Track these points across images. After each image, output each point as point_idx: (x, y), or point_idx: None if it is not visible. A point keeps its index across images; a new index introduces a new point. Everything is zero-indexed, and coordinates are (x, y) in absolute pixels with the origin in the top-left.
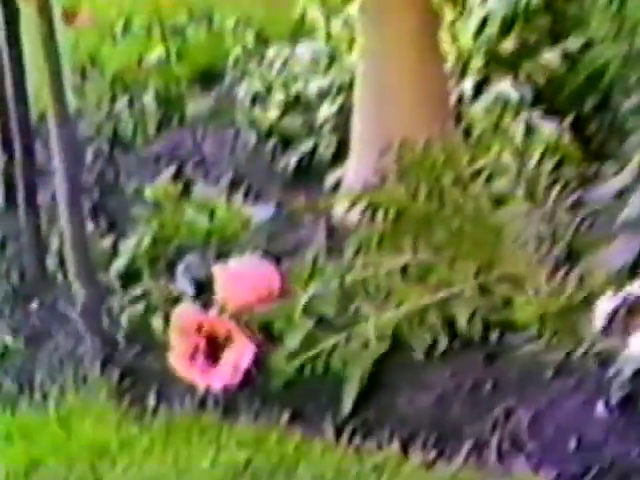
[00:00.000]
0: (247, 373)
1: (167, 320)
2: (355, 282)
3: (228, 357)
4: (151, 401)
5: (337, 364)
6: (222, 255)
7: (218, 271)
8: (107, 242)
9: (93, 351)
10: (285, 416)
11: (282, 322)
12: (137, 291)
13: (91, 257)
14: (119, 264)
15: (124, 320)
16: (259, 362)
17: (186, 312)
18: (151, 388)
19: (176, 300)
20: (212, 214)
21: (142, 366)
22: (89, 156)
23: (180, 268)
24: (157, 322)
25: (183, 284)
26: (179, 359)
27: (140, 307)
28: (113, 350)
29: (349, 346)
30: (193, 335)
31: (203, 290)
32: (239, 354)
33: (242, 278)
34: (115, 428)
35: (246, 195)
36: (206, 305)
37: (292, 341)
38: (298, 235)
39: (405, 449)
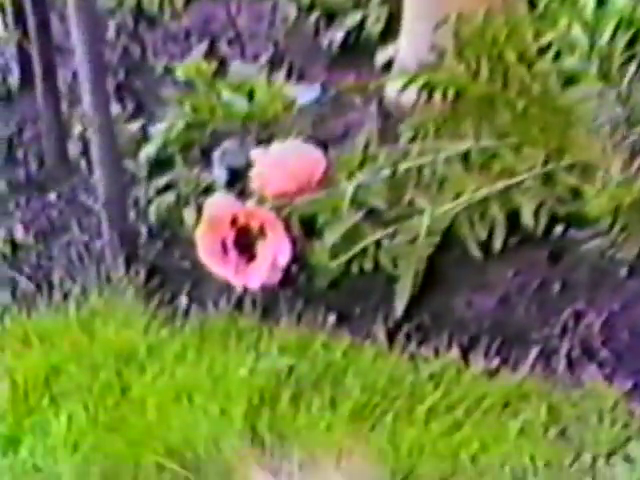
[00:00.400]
0: (287, 271)
1: (200, 212)
2: (409, 170)
3: (265, 253)
4: (182, 302)
5: (387, 261)
6: (262, 141)
7: (257, 157)
8: (135, 126)
9: (113, 247)
10: (331, 319)
11: (326, 215)
12: (166, 180)
13: (117, 143)
14: (148, 151)
15: (152, 212)
16: (300, 259)
17: (220, 202)
18: (182, 288)
19: (210, 190)
20: (251, 95)
21: (171, 263)
22: (111, 31)
23: (216, 155)
24: (189, 214)
25: (219, 173)
26: (210, 255)
27: (170, 198)
28: (135, 246)
29: (398, 241)
30: (226, 228)
31: (241, 179)
32: (277, 249)
33: (283, 164)
34: (143, 332)
35: (288, 74)
36: (243, 196)
37: (335, 234)
38: (346, 119)
39: (465, 356)
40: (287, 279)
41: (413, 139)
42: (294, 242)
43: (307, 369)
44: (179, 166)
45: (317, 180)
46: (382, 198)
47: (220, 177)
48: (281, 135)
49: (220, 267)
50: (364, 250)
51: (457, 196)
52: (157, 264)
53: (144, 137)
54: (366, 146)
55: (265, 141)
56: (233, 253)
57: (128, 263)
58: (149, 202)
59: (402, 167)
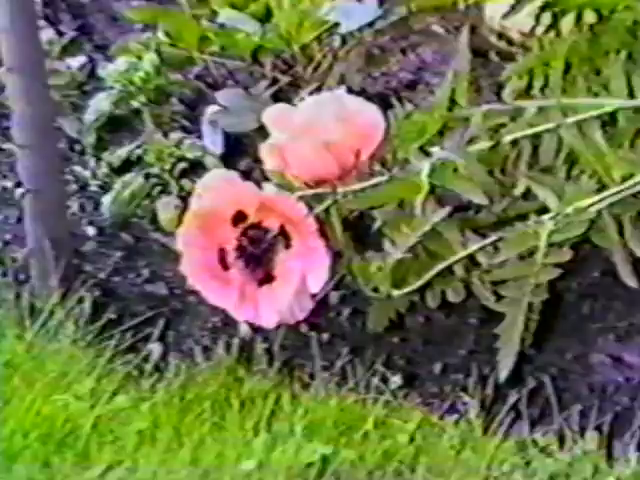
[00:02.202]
0: (323, 301)
1: (184, 203)
2: (519, 143)
3: (288, 271)
4: (153, 349)
5: (485, 289)
6: (283, 92)
7: (274, 117)
8: (76, 63)
9: (42, 259)
10: (393, 381)
11: (388, 211)
12: (127, 151)
13: (47, 90)
14: (99, 104)
15: (105, 204)
16: (344, 282)
17: (216, 185)
18: (153, 326)
19: (197, 168)
20: (266, 15)
21: (136, 286)
22: None
23: (208, 113)
24: (165, 207)
25: (212, 140)
26: (200, 271)
27: (134, 180)
28: (78, 258)
29: (504, 256)
30: (226, 228)
31: (247, 153)
32: (308, 266)
33: (317, 130)
34: (88, 400)
35: None
36: (252, 178)
37: (402, 244)
38: (419, 57)
39: (608, 446)
40: (322, 314)
41: (526, 91)
42: (335, 255)
43: (352, 461)
44: (148, 130)
45: (371, 155)
46: (477, 186)
47: (214, 148)
48: (313, 81)
49: (216, 291)
50: (448, 270)
51: (598, 186)
52: (112, 287)
53: (92, 81)
54: (451, 101)
55: (288, 91)
56: (237, 269)
57: (66, 286)
58: (101, 188)
59: (508, 137)
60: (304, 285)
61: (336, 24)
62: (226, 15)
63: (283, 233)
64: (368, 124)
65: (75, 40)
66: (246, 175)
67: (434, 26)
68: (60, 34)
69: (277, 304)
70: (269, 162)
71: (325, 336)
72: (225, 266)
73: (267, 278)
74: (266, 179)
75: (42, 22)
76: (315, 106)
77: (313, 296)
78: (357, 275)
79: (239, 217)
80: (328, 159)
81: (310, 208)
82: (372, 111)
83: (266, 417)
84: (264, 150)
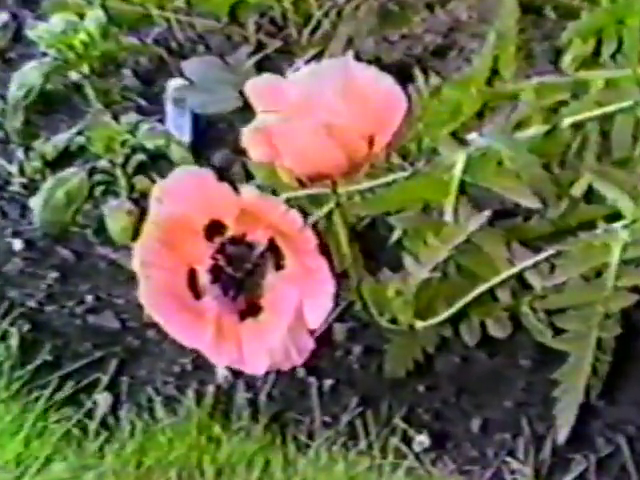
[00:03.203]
0: (326, 337)
1: (140, 207)
2: (583, 126)
3: (281, 300)
4: (101, 401)
5: (538, 322)
6: (271, 59)
7: (260, 92)
8: None
9: None
10: (418, 441)
11: (409, 216)
12: (64, 138)
13: None
14: (25, 72)
15: (35, 207)
16: (351, 312)
17: (185, 184)
18: (100, 370)
19: (157, 161)
20: None
21: (76, 317)
22: None
23: (171, 87)
24: (114, 212)
25: (177, 124)
26: (164, 300)
27: (71, 176)
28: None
29: (563, 277)
30: (199, 242)
31: (225, 141)
32: (307, 292)
33: (318, 110)
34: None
35: None
36: (229, 175)
37: (428, 261)
38: (448, 13)
39: None
40: (324, 353)
41: (592, 59)
42: (340, 277)
43: None
44: (93, 111)
45: (388, 143)
46: (528, 185)
47: (180, 134)
48: (311, 47)
49: (184, 327)
50: (490, 295)
51: None
52: (46, 319)
53: (17, 46)
54: (493, 72)
55: (277, 60)
56: (213, 297)
57: None
58: (26, 187)
59: (568, 119)
60: (301, 318)
61: None
62: None
63: (272, 249)
64: (384, 102)
65: None
66: (222, 171)
67: None
68: None
69: (266, 343)
70: (254, 152)
71: (328, 382)
72: (197, 293)
73: (252, 309)
74: (249, 176)
75: None
76: (314, 78)
77: (313, 333)
78: (369, 302)
79: (214, 228)
80: (332, 147)
81: (306, 214)
82: (390, 85)
83: None
84: (247, 136)
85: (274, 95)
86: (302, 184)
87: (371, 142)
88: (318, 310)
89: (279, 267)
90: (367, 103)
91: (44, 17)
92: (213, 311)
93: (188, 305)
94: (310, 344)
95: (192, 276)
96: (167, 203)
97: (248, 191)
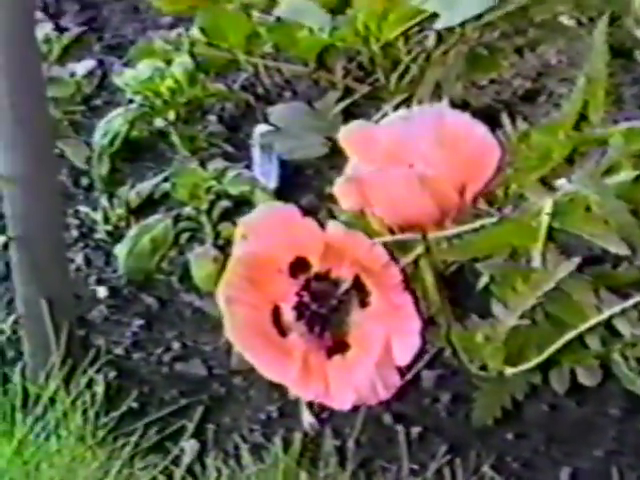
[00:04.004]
0: (413, 379)
1: (224, 251)
2: None
3: (367, 337)
4: (187, 448)
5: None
6: (360, 106)
7: (351, 140)
8: (82, 66)
9: (36, 329)
10: None
11: (499, 262)
12: (147, 186)
13: (44, 101)
14: (112, 123)
15: (119, 255)
16: (439, 356)
17: (269, 222)
18: (187, 416)
19: (243, 207)
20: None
21: (162, 364)
22: None
23: (257, 134)
24: (199, 258)
25: (264, 170)
26: (249, 336)
27: (155, 224)
28: (84, 326)
29: None
30: (283, 279)
31: (311, 187)
32: (394, 331)
33: (407, 159)
34: None
35: None
36: (317, 217)
37: (518, 305)
38: (542, 57)
39: None
40: (412, 401)
41: None
42: (428, 322)
43: None
44: (178, 158)
45: (479, 191)
46: (615, 229)
47: (267, 181)
48: (399, 93)
49: (270, 361)
50: (580, 343)
51: None
52: (132, 366)
53: (103, 93)
54: (582, 117)
55: (364, 106)
56: (298, 334)
57: (70, 365)
58: (111, 234)
59: None
60: (388, 355)
61: (433, 16)
62: (289, 3)
63: (358, 286)
64: (478, 151)
65: (82, 38)
66: (313, 213)
67: (562, 17)
68: (62, 30)
69: (353, 379)
70: (345, 201)
71: (416, 430)
72: (282, 330)
73: (339, 346)
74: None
75: (39, 14)
76: (407, 125)
77: (400, 370)
78: (459, 348)
79: (299, 265)
80: (424, 197)
81: (394, 259)
82: (483, 133)
83: None
84: (339, 185)
85: (366, 142)
86: (392, 232)
87: (462, 191)
88: (405, 346)
89: (364, 304)
90: (460, 152)
91: (131, 64)
92: (300, 348)
93: (274, 342)
94: (397, 380)
95: (277, 313)
96: (252, 240)
97: (333, 227)
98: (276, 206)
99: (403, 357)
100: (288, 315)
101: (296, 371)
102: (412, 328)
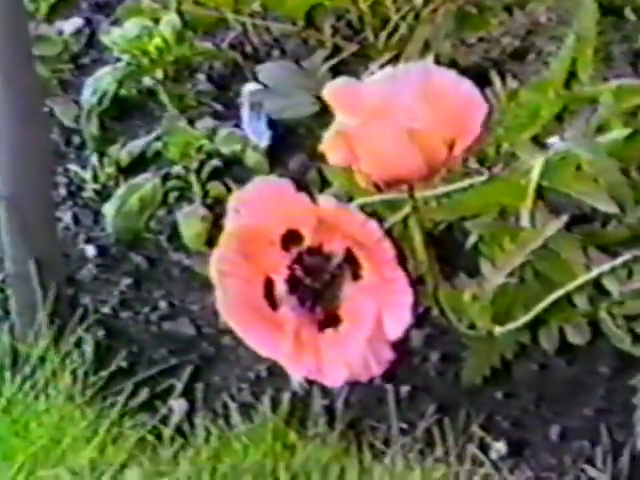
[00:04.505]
0: (403, 347)
1: (216, 217)
2: None
3: (359, 310)
4: (176, 407)
5: (619, 327)
6: (348, 63)
7: (339, 96)
8: (70, 25)
9: (24, 289)
10: (496, 449)
11: (486, 223)
12: (137, 146)
13: (31, 59)
14: (99, 77)
15: (108, 214)
16: (429, 321)
17: (262, 193)
18: (175, 376)
19: (232, 168)
20: None
21: (151, 324)
22: None
23: (246, 92)
24: (189, 220)
25: (254, 129)
26: (241, 309)
27: (144, 183)
28: (73, 286)
29: None
30: (275, 252)
31: (302, 146)
32: (386, 303)
33: (395, 115)
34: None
35: None
36: (306, 183)
37: (504, 266)
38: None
39: None
40: (401, 360)
41: None
42: (417, 282)
43: None
44: (168, 116)
45: (468, 147)
46: (604, 188)
47: (258, 139)
48: (387, 51)
49: (262, 337)
50: (568, 301)
51: None
52: (120, 326)
53: (92, 51)
54: (572, 75)
55: (353, 64)
56: (290, 307)
57: (58, 324)
58: (99, 193)
59: None
60: (380, 329)
61: None
62: None
63: (350, 260)
64: (464, 106)
65: None
66: (299, 177)
67: None
68: None
69: (345, 354)
70: (332, 156)
71: (405, 389)
72: (274, 303)
73: (331, 320)
74: (324, 182)
75: None
76: (393, 81)
77: (392, 344)
78: (446, 308)
79: (291, 238)
80: (412, 151)
81: (382, 220)
82: (469, 89)
83: None
84: (327, 140)
85: (352, 98)
86: (379, 189)
87: (451, 146)
88: (397, 321)
89: (356, 277)
90: (447, 107)
91: (118, 22)
92: (291, 322)
93: (265, 316)
94: (389, 355)
95: (269, 286)
96: (244, 213)
97: (326, 201)
98: (269, 179)
99: (394, 331)
100: (280, 288)
101: (288, 347)
102: (404, 302)
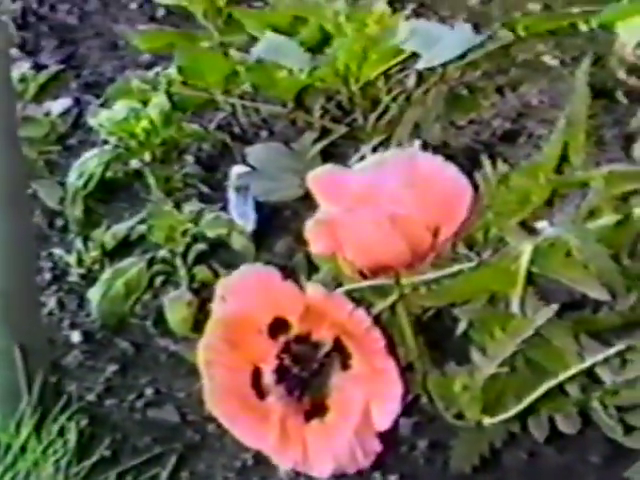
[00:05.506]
0: (391, 438)
1: (202, 304)
2: None
3: (347, 401)
4: None
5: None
6: (337, 147)
7: (324, 182)
8: (57, 105)
9: (9, 375)
10: None
11: (477, 310)
12: (123, 228)
13: (16, 138)
14: (88, 161)
15: (93, 299)
16: (417, 410)
17: (248, 281)
18: (159, 466)
19: (219, 252)
20: (323, 41)
21: (135, 412)
22: None
23: (233, 175)
24: (174, 307)
25: (241, 213)
26: (227, 399)
27: (130, 268)
28: (57, 373)
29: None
30: (263, 341)
31: (288, 231)
32: (374, 393)
33: (382, 201)
34: None
35: None
36: (292, 269)
37: (496, 354)
38: (521, 97)
39: None
40: (389, 449)
41: None
42: (405, 370)
43: None
44: (154, 199)
45: (454, 233)
46: (595, 274)
47: (244, 223)
48: (377, 134)
49: (248, 427)
50: (560, 390)
51: None
52: (105, 413)
53: (79, 133)
54: (563, 159)
55: (343, 147)
56: (277, 397)
57: (41, 412)
58: (84, 277)
59: (639, 208)
60: (368, 420)
61: (414, 55)
62: (267, 42)
63: (339, 349)
64: (450, 192)
65: (59, 75)
66: (287, 259)
67: (545, 57)
68: (39, 67)
69: (332, 446)
70: (316, 244)
71: (393, 478)
72: (261, 393)
73: (318, 409)
74: (311, 265)
75: (15, 51)
76: (378, 168)
77: (380, 435)
78: (435, 396)
79: (279, 326)
80: (395, 238)
81: (369, 306)
82: (455, 174)
83: None
84: (310, 228)
85: (337, 186)
86: (364, 276)
87: (436, 233)
88: (386, 412)
89: (346, 367)
90: (432, 193)
91: (107, 103)
92: (278, 412)
93: (252, 405)
94: (377, 446)
95: (256, 375)
96: (231, 301)
97: (313, 289)
98: (255, 267)
99: (383, 423)
100: (268, 378)
101: (274, 437)
102: (393, 393)
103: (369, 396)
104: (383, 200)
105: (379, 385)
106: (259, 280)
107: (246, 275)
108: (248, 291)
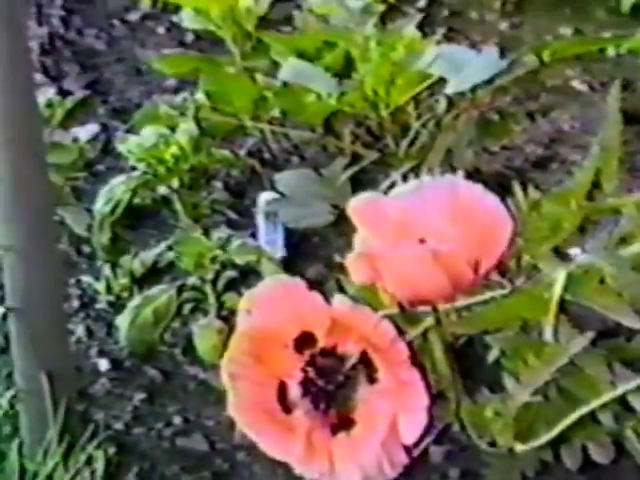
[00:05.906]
0: (418, 462)
1: (228, 323)
2: None
3: (374, 415)
4: None
5: None
6: (369, 173)
7: (360, 210)
8: (84, 131)
9: (36, 405)
10: None
11: (508, 336)
12: (151, 255)
13: (44, 166)
14: (114, 189)
15: (121, 326)
16: (445, 432)
17: (276, 294)
18: None
19: (247, 277)
20: (347, 66)
21: (164, 440)
22: None
23: (261, 202)
24: (203, 330)
25: (270, 239)
26: (254, 413)
27: (159, 295)
28: (85, 401)
29: None
30: (289, 356)
31: (318, 257)
32: (402, 408)
33: (418, 231)
34: None
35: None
36: (323, 289)
37: (530, 381)
38: (552, 124)
39: None
40: (421, 477)
41: None
42: (437, 397)
43: None
44: (182, 226)
45: (493, 266)
46: (629, 302)
47: (273, 249)
48: (408, 159)
49: (275, 440)
50: (592, 419)
51: None
52: (133, 442)
53: (106, 159)
54: (595, 186)
55: (373, 172)
56: (303, 410)
57: (69, 440)
58: (113, 305)
59: None
60: (395, 433)
61: (441, 80)
62: (292, 67)
63: (365, 362)
64: (491, 224)
65: (85, 102)
66: (316, 287)
67: (574, 82)
68: (64, 93)
69: (358, 458)
70: (357, 276)
71: None
72: (287, 406)
73: (344, 423)
74: (342, 292)
75: (40, 76)
76: (418, 195)
77: (407, 449)
78: (468, 424)
79: (305, 341)
80: (437, 274)
81: (401, 332)
82: (496, 205)
83: None
84: (351, 259)
85: (376, 214)
86: (402, 308)
87: (477, 267)
88: (413, 424)
89: (372, 380)
90: (474, 226)
91: (134, 129)
92: (304, 425)
93: (278, 419)
94: (404, 458)
95: (282, 390)
96: (256, 314)
97: (340, 302)
98: (281, 279)
99: (410, 435)
100: (294, 392)
101: (300, 449)
102: (420, 405)
103: (395, 409)
104: (424, 232)
105: (405, 397)
106: (285, 292)
107: (272, 287)
108: (274, 304)
